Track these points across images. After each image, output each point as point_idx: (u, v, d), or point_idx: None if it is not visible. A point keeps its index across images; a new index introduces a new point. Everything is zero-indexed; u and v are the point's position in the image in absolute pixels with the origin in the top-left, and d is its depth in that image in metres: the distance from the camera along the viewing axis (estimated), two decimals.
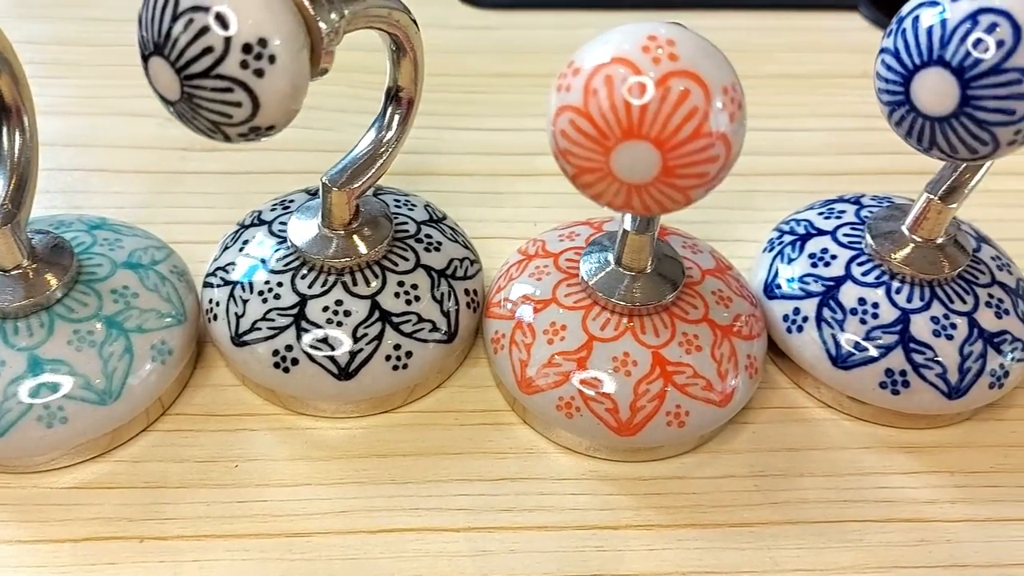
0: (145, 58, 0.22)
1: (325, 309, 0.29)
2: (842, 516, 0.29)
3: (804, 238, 0.32)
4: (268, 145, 0.39)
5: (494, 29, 0.48)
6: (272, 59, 0.22)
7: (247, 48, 0.21)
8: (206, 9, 0.21)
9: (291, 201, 0.32)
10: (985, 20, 0.22)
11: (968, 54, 0.22)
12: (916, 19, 0.23)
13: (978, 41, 0.22)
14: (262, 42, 0.21)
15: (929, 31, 0.23)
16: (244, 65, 0.21)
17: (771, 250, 0.32)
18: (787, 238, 0.32)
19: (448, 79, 0.44)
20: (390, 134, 0.29)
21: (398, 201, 0.32)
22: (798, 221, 0.33)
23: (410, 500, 0.29)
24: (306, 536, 0.28)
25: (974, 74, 0.22)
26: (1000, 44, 0.22)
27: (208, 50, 0.21)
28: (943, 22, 0.23)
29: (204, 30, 0.21)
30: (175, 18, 0.21)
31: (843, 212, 0.32)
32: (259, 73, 0.22)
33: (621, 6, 0.49)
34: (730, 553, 0.28)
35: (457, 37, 0.47)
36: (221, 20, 0.21)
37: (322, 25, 0.23)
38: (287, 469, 0.29)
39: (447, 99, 0.43)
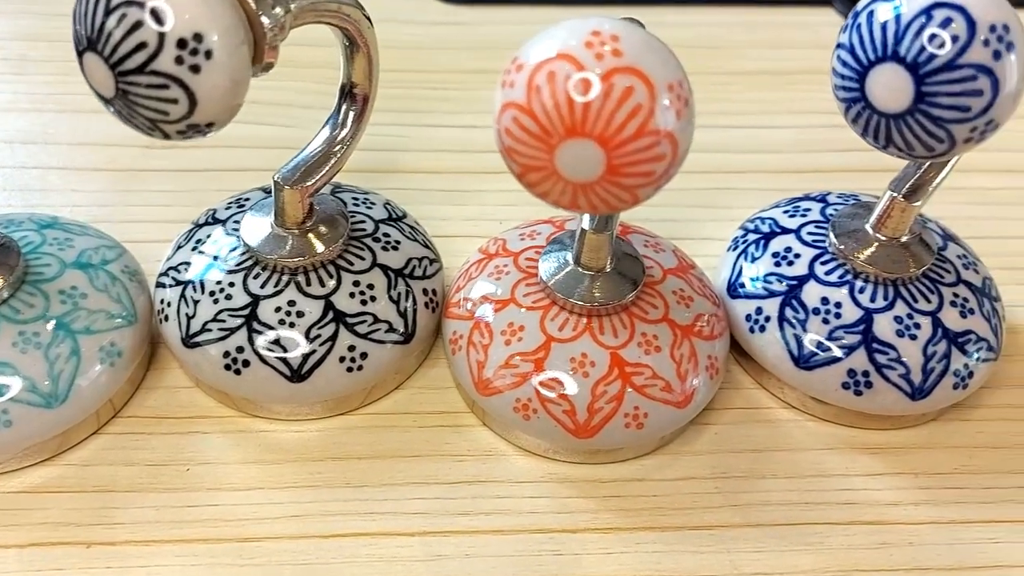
0: (80, 54, 0.22)
1: (278, 310, 0.28)
2: (804, 519, 0.29)
3: (768, 236, 0.31)
4: (231, 142, 0.39)
5: (468, 25, 0.47)
6: (209, 55, 0.21)
7: (182, 43, 0.21)
8: (140, 4, 0.21)
9: (247, 199, 0.32)
10: (939, 15, 0.22)
11: (922, 50, 0.22)
12: (871, 14, 0.23)
13: (932, 36, 0.22)
14: (198, 37, 0.21)
15: (884, 26, 0.22)
16: (179, 61, 0.21)
17: (735, 249, 0.32)
18: (751, 236, 0.32)
19: (420, 75, 0.43)
20: (344, 131, 0.29)
21: (356, 199, 0.32)
22: (763, 219, 0.32)
23: (365, 504, 0.28)
24: (257, 541, 0.27)
25: (928, 70, 0.22)
26: (954, 39, 0.22)
27: (142, 45, 0.21)
28: (898, 17, 0.22)
29: (138, 25, 0.21)
30: (108, 12, 0.21)
31: (808, 210, 0.32)
32: (195, 69, 0.21)
33: (594, 1, 0.48)
34: (689, 556, 0.28)
35: (430, 33, 0.46)
36: (155, 15, 0.21)
37: (264, 20, 0.23)
38: (240, 473, 0.29)
39: (418, 95, 0.43)
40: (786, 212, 0.32)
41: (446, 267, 0.32)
